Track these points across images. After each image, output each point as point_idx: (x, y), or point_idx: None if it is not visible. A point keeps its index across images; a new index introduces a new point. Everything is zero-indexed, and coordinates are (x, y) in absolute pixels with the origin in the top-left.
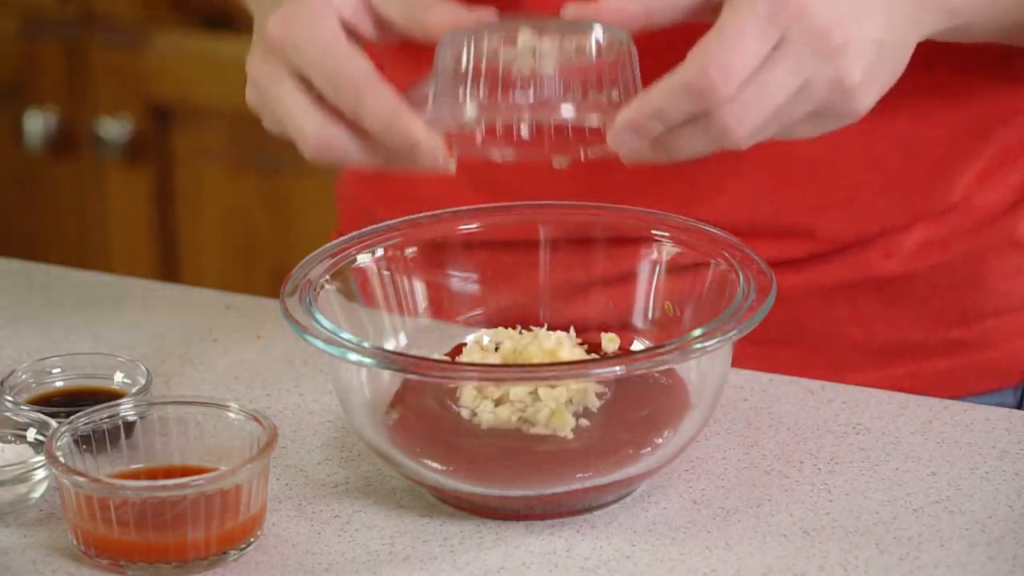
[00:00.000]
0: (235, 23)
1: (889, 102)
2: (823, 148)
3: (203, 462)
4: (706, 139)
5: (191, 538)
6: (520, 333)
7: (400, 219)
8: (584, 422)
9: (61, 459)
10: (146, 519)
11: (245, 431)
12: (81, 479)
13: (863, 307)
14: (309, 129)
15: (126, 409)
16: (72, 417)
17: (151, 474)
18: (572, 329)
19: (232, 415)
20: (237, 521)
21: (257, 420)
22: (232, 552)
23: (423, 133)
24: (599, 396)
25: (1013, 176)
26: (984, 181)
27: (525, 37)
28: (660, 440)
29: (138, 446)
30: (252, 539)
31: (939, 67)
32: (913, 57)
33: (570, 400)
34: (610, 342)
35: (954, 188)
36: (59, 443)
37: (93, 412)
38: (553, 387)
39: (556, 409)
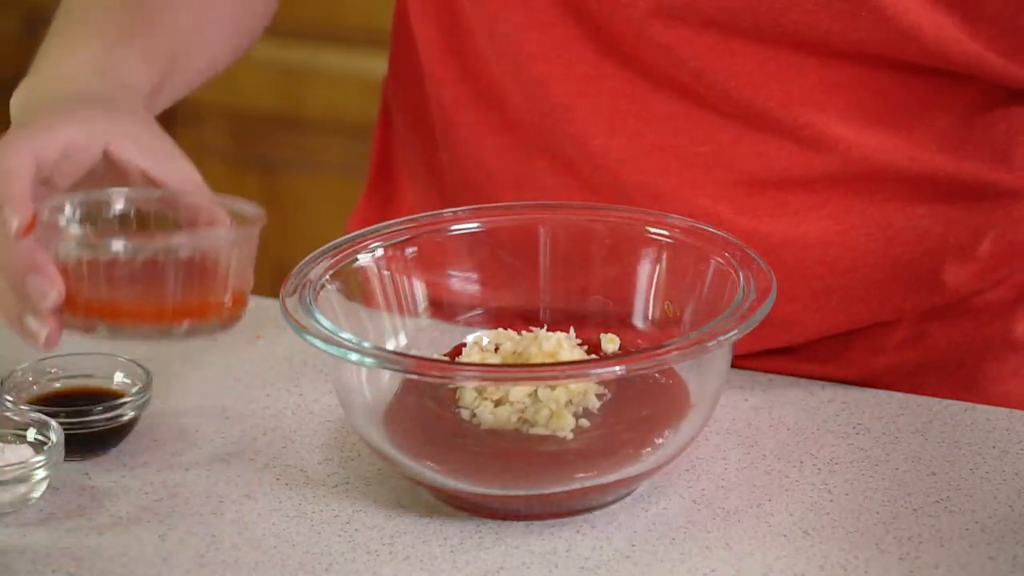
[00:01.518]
0: None
1: (873, 189)
2: (795, 236)
3: None
4: None
5: (172, 302)
6: (520, 334)
7: (400, 219)
8: (584, 422)
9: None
10: (131, 279)
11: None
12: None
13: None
14: None
15: None
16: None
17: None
18: (572, 329)
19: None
20: (219, 295)
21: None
22: (213, 324)
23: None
24: (599, 397)
25: (1016, 276)
26: (981, 280)
27: None
28: (660, 440)
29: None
30: (231, 318)
31: (926, 149)
32: (900, 141)
33: (570, 401)
34: (610, 342)
35: (942, 285)
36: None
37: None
38: (553, 388)
39: (556, 410)
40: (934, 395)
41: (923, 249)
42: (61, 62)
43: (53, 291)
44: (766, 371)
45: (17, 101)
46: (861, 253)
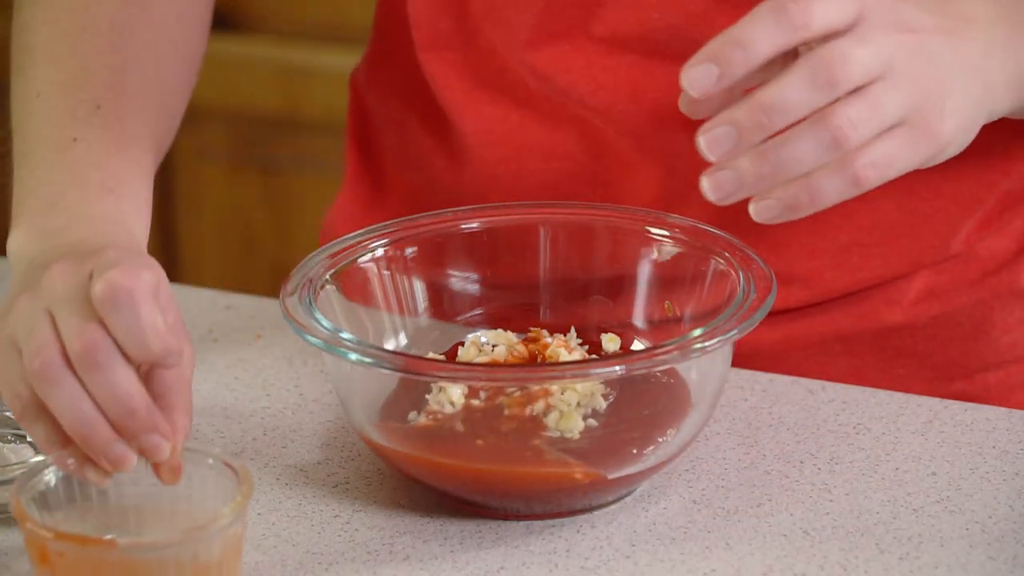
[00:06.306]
0: (235, 23)
1: None
2: None
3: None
4: (812, 89)
5: None
6: (520, 335)
7: (400, 219)
8: (592, 423)
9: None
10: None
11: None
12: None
13: (861, 361)
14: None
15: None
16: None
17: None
18: (572, 329)
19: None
20: None
21: (231, 467)
22: None
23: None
24: (604, 397)
25: (1016, 223)
26: (986, 229)
27: None
28: (662, 439)
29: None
30: None
31: None
32: None
33: (579, 403)
34: (610, 342)
35: (955, 237)
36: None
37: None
38: (552, 387)
39: (567, 412)
40: (944, 354)
41: (938, 206)
42: (62, 209)
43: (167, 445)
44: (785, 333)
45: (24, 246)
46: (881, 211)
